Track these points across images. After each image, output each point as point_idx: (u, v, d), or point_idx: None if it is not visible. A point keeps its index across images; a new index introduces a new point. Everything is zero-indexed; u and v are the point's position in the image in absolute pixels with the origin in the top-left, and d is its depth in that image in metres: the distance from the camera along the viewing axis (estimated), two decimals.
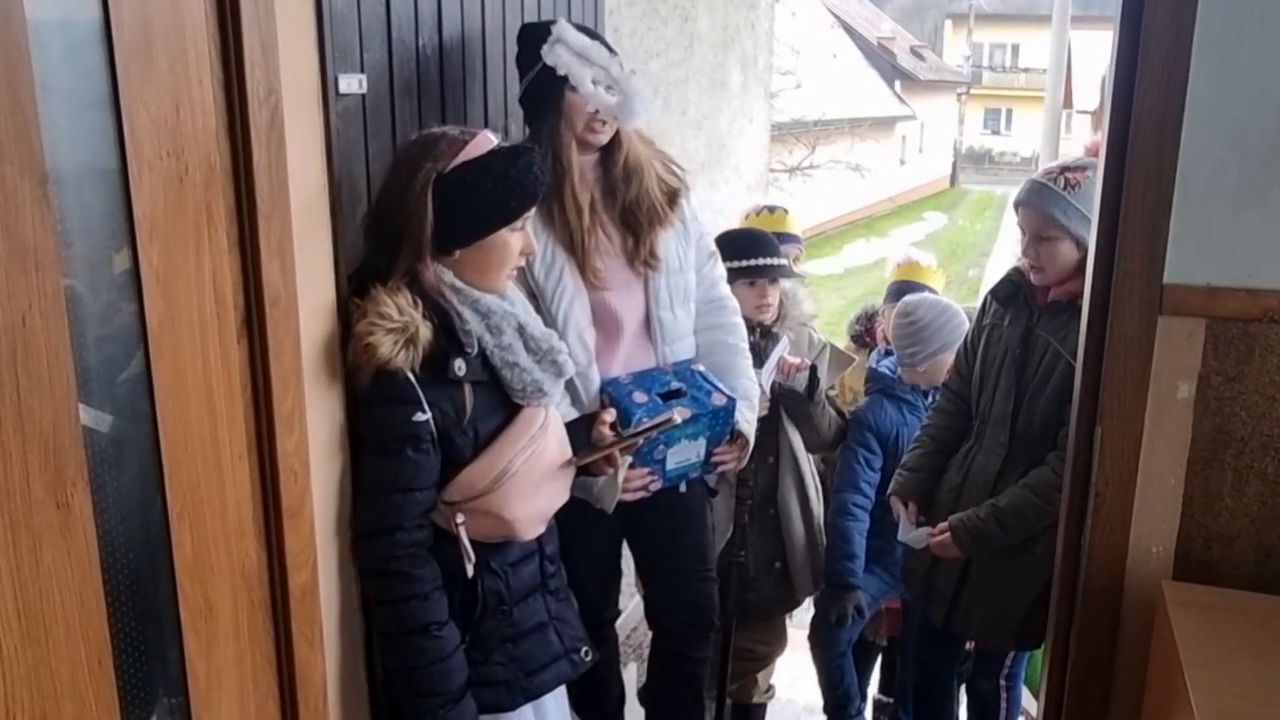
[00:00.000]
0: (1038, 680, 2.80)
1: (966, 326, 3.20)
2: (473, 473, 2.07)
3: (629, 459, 2.45)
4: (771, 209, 3.71)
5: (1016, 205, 2.75)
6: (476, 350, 2.05)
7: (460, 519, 2.06)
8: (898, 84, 32.36)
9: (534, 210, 2.17)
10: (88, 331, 1.45)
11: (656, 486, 2.57)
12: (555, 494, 2.22)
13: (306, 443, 1.90)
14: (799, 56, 15.22)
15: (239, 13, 1.63)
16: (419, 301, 1.99)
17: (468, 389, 2.06)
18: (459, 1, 2.46)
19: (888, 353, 3.45)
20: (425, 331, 1.97)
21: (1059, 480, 2.50)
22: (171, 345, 1.58)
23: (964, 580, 2.88)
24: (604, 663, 2.92)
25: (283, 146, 1.76)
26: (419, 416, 1.98)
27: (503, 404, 2.12)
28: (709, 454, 2.63)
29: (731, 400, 2.56)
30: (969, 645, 3.27)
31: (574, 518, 2.41)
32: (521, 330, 2.12)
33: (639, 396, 2.44)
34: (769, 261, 3.12)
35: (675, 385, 2.51)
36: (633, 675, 3.58)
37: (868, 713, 3.80)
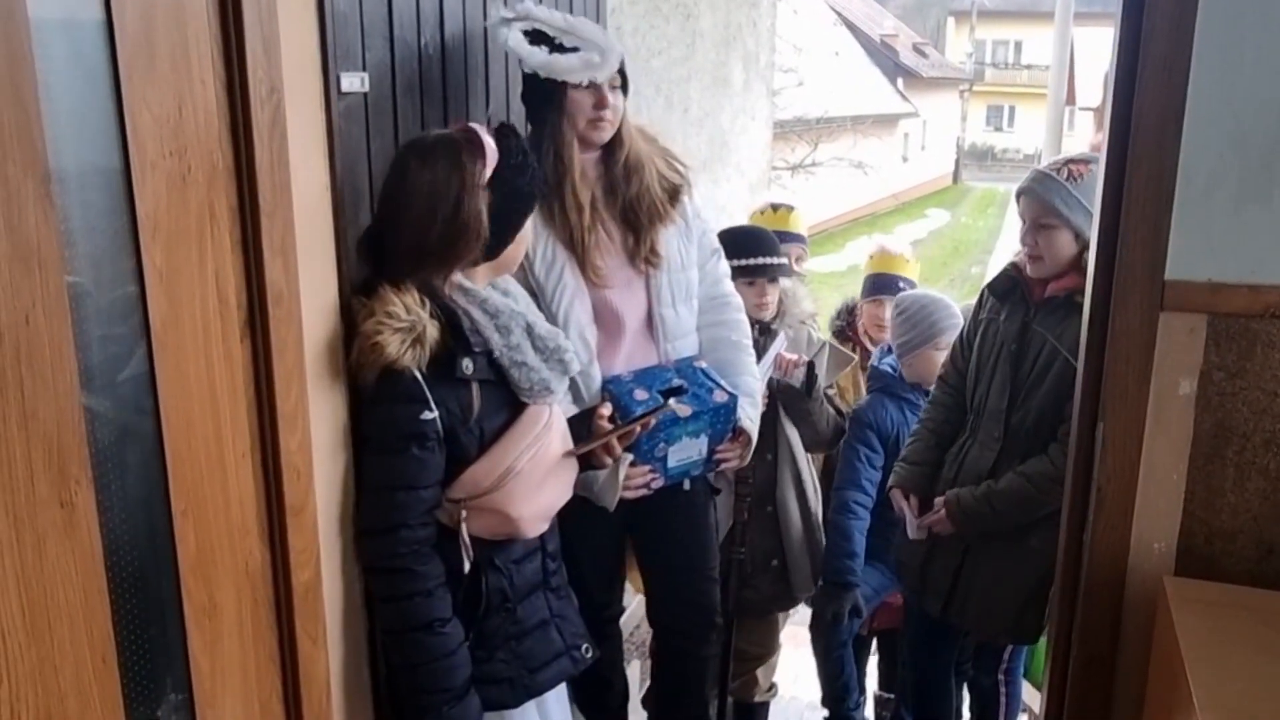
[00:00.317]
0: (1041, 675, 2.80)
1: (959, 320, 3.22)
2: (478, 471, 2.07)
3: (630, 457, 2.46)
4: (776, 207, 3.70)
5: (1018, 194, 2.76)
6: (484, 349, 2.06)
7: (464, 516, 2.07)
8: (900, 81, 32.35)
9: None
10: (91, 330, 1.45)
11: (658, 484, 2.57)
12: (559, 491, 2.23)
13: (310, 441, 1.91)
14: (801, 54, 15.18)
15: (241, 12, 1.64)
16: (426, 301, 2.00)
17: (475, 388, 2.07)
18: None
19: (889, 350, 3.45)
20: (432, 331, 1.98)
21: (1056, 472, 2.51)
22: (175, 344, 1.59)
23: (960, 572, 2.89)
24: (607, 660, 2.93)
25: (285, 145, 1.76)
26: (426, 415, 1.98)
27: (507, 402, 2.13)
28: (711, 451, 2.63)
29: (733, 397, 2.56)
30: (967, 640, 3.27)
31: (577, 515, 2.41)
32: (529, 330, 2.13)
33: (640, 394, 2.44)
34: (768, 261, 3.11)
35: (677, 382, 2.52)
36: (636, 673, 3.58)
37: (869, 710, 3.80)
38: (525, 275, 2.42)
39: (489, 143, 2.04)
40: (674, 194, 2.59)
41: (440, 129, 2.13)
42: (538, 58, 2.35)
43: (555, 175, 2.42)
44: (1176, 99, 1.94)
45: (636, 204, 2.51)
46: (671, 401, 2.33)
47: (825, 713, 3.69)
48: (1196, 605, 1.96)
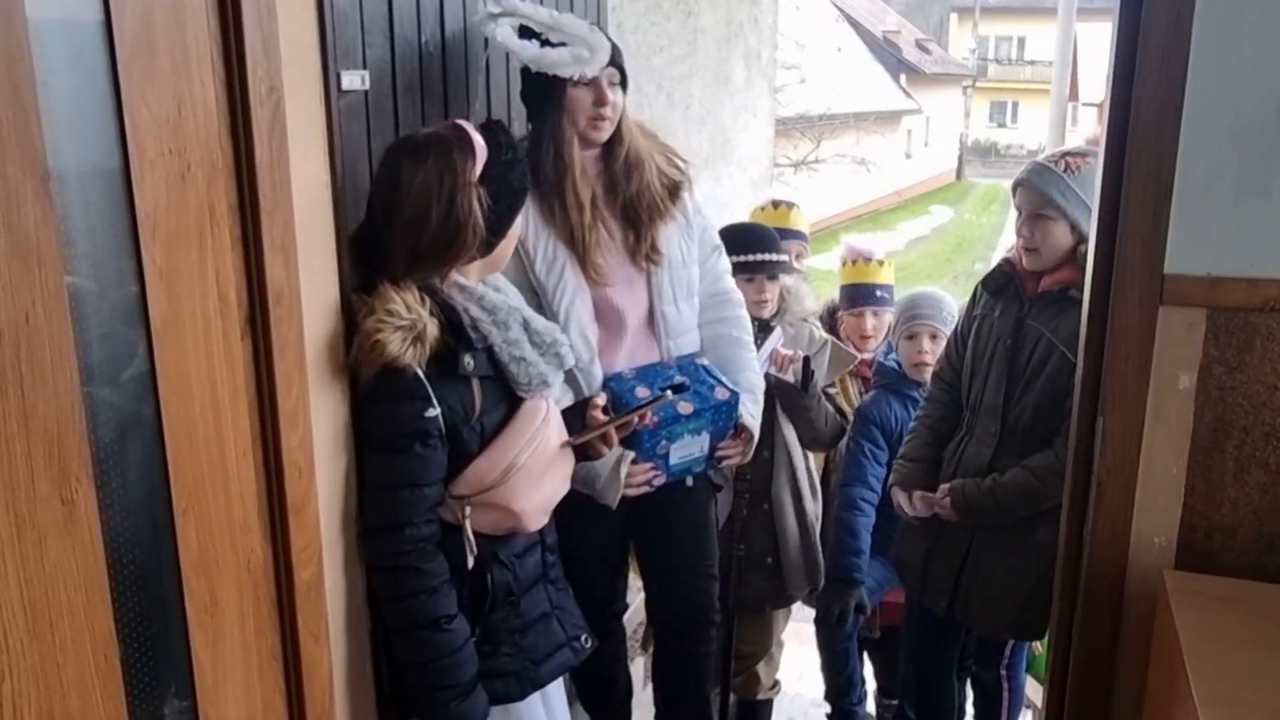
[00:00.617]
0: (1043, 669, 2.80)
1: (945, 311, 3.27)
2: (481, 466, 2.08)
3: (631, 454, 2.46)
4: (777, 204, 3.69)
5: (1015, 185, 2.76)
6: (483, 345, 2.06)
7: (468, 513, 2.08)
8: (903, 77, 32.31)
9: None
10: (91, 328, 1.46)
11: (660, 481, 2.58)
12: (558, 484, 2.24)
13: (311, 439, 1.91)
14: (803, 51, 15.19)
15: (240, 10, 1.64)
16: (425, 298, 2.01)
17: (475, 384, 2.08)
18: None
19: (892, 347, 3.46)
20: (433, 329, 1.98)
21: (1061, 466, 2.50)
22: (175, 342, 1.59)
23: (963, 569, 2.89)
24: (611, 657, 2.93)
25: (285, 143, 1.76)
26: (430, 412, 1.99)
27: (504, 397, 2.14)
28: (713, 449, 2.63)
29: (735, 394, 2.56)
30: (969, 636, 3.27)
31: (580, 512, 2.41)
32: (526, 325, 2.14)
33: (642, 391, 2.44)
34: (767, 257, 3.10)
35: (679, 379, 2.52)
36: (640, 669, 3.58)
37: (870, 706, 3.80)
38: (526, 274, 2.43)
39: (478, 139, 2.04)
40: (674, 190, 2.59)
41: (427, 127, 2.13)
42: (529, 51, 2.35)
43: (556, 173, 2.42)
44: (1175, 93, 1.95)
45: (637, 201, 2.51)
46: (668, 394, 2.33)
47: (828, 709, 3.70)
48: (1197, 599, 1.97)
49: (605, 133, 2.46)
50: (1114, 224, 2.05)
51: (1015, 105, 43.50)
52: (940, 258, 21.32)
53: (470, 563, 2.09)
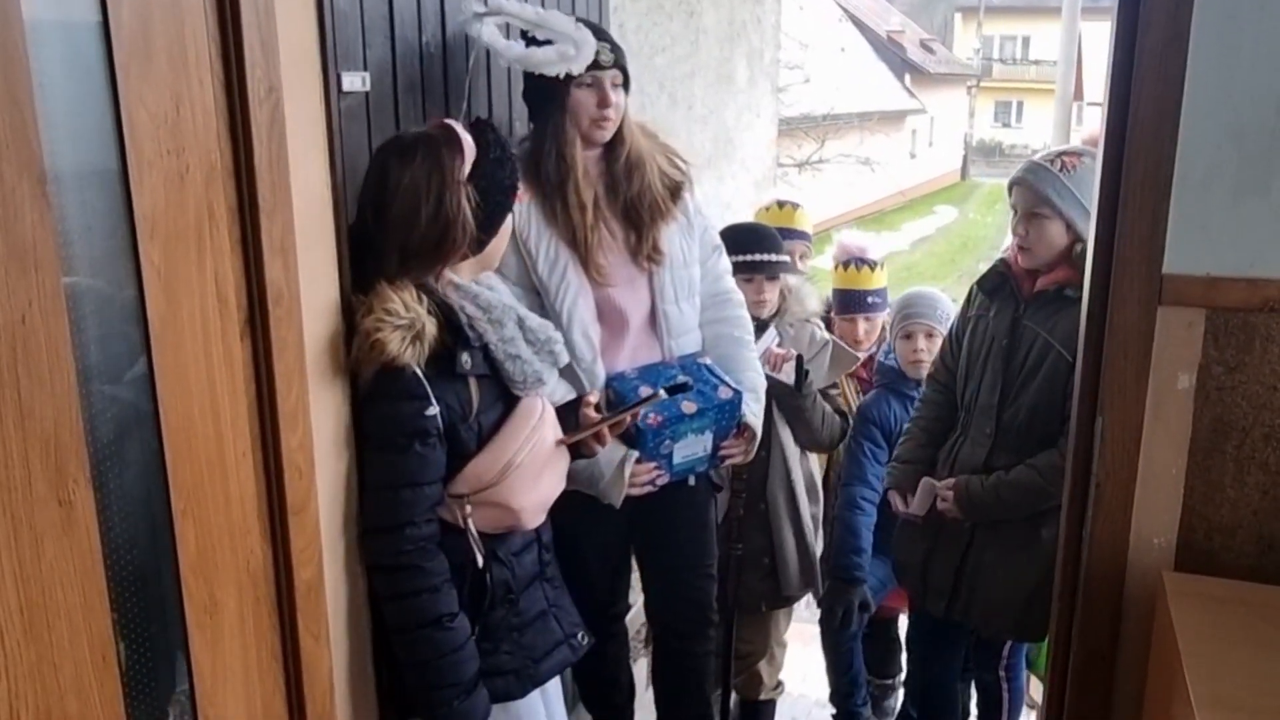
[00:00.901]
0: (1044, 668, 2.80)
1: (940, 310, 3.26)
2: (480, 465, 2.09)
3: (635, 454, 2.47)
4: (781, 204, 3.69)
5: (1011, 184, 2.75)
6: (480, 344, 2.07)
7: (469, 512, 2.08)
8: (907, 77, 32.25)
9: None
10: (89, 329, 1.46)
11: (663, 481, 2.58)
12: (554, 482, 2.25)
13: (311, 439, 1.91)
14: (807, 50, 15.14)
15: (239, 11, 1.64)
16: (423, 298, 2.01)
17: (473, 383, 2.08)
18: None
19: (893, 347, 3.45)
20: (431, 328, 1.99)
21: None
22: (174, 343, 1.59)
23: (961, 570, 2.88)
24: (613, 657, 2.93)
25: (284, 144, 1.76)
26: (429, 411, 1.99)
27: (501, 396, 2.15)
28: (716, 448, 2.64)
29: (738, 394, 2.56)
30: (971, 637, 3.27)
31: (583, 512, 2.42)
32: (521, 323, 2.14)
33: (644, 390, 2.44)
34: (766, 257, 3.09)
35: (682, 379, 2.52)
36: (642, 670, 3.58)
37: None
38: (529, 274, 2.43)
39: (466, 138, 2.04)
40: (675, 191, 2.60)
41: (417, 127, 2.13)
42: (514, 51, 2.35)
43: (558, 174, 2.43)
44: (1173, 91, 1.94)
45: (638, 201, 2.52)
46: (661, 393, 2.33)
47: (833, 710, 3.69)
48: (1196, 600, 1.96)
49: (608, 134, 2.47)
50: (1113, 223, 2.05)
51: (1020, 105, 43.43)
52: (945, 257, 21.29)
53: (480, 561, 2.10)
